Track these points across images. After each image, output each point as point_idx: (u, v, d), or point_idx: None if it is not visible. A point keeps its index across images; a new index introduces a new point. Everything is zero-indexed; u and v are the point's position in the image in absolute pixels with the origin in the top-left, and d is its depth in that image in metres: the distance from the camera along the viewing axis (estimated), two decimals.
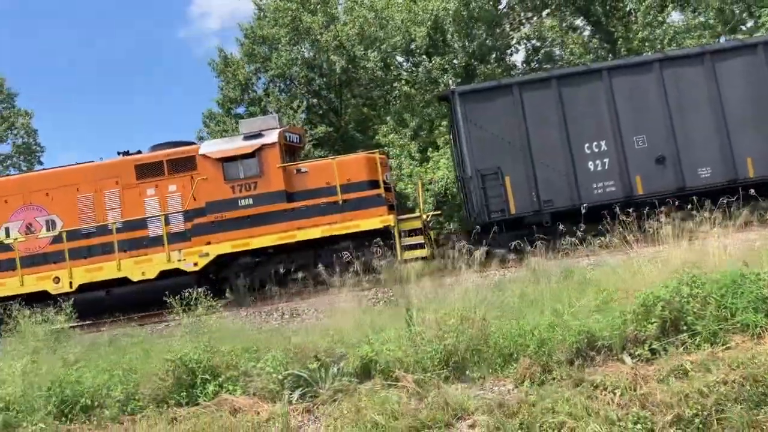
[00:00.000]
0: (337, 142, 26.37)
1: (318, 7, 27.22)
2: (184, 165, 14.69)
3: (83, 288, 14.39)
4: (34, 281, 14.31)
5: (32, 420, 7.72)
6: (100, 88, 68.22)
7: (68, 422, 7.83)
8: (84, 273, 14.30)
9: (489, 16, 25.28)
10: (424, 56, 25.25)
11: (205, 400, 7.85)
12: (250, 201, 14.41)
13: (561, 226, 11.68)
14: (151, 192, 14.73)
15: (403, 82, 25.56)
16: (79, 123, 66.60)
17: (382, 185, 14.42)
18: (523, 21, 27.65)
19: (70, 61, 66.67)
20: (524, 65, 27.67)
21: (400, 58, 27.64)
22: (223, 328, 9.44)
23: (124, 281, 14.42)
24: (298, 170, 14.71)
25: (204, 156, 14.52)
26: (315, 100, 27.79)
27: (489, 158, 14.64)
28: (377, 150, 15.21)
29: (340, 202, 14.33)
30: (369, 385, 7.69)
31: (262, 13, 28.78)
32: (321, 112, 28.21)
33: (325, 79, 27.61)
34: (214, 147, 14.76)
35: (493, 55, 26.57)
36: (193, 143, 15.42)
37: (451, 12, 24.23)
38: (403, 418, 6.98)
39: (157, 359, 8.31)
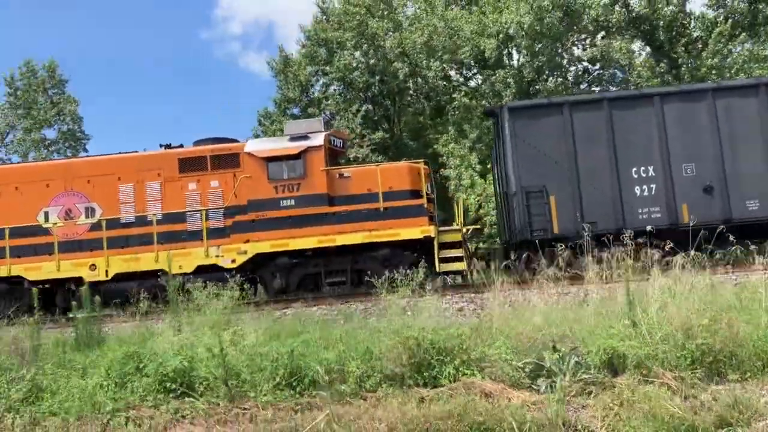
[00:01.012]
0: (391, 149, 26.33)
1: (385, 13, 27.53)
2: (228, 161, 14.66)
3: (118, 277, 14.32)
4: (70, 267, 14.28)
5: (260, 390, 7.54)
6: (118, 82, 69.01)
7: (297, 395, 7.56)
8: (121, 262, 14.25)
9: (557, 33, 25.03)
10: (488, 69, 25.26)
11: (447, 382, 7.58)
12: (292, 202, 14.34)
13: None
14: (193, 186, 14.69)
15: (462, 92, 25.60)
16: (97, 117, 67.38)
17: (424, 195, 14.32)
18: (585, 41, 27.43)
19: (81, 53, 67.40)
20: (586, 85, 27.51)
21: (453, 71, 27.59)
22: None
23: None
24: (341, 175, 14.63)
25: (249, 154, 14.48)
26: (370, 106, 27.63)
27: (535, 176, 14.51)
28: (421, 160, 15.08)
29: (382, 209, 14.21)
30: (623, 379, 7.41)
31: (324, 17, 28.93)
32: (376, 118, 28.18)
33: (384, 86, 27.65)
34: (259, 146, 14.72)
35: (557, 72, 26.58)
36: (236, 140, 15.38)
37: (525, 26, 23.97)
38: (685, 414, 6.77)
39: (387, 338, 7.97)
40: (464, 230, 14.63)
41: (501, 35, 24.73)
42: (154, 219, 14.34)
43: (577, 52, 27.27)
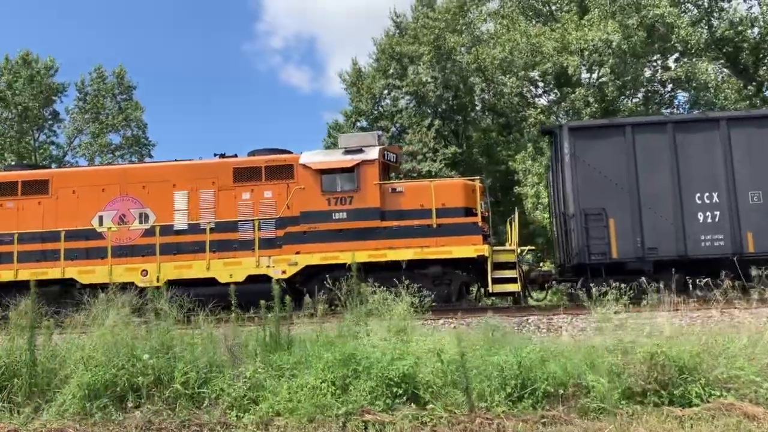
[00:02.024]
0: (461, 165, 26.19)
1: (464, 27, 27.54)
2: (282, 172, 14.66)
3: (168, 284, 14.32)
4: (122, 272, 14.39)
5: (492, 401, 7.29)
6: (162, 92, 70.41)
7: (531, 407, 7.26)
8: (173, 269, 14.32)
9: (642, 52, 24.52)
10: (567, 86, 24.91)
11: (699, 402, 7.25)
12: (344, 215, 14.23)
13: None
14: (246, 196, 14.72)
15: (538, 110, 25.33)
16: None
17: (479, 213, 14.04)
18: (662, 61, 26.88)
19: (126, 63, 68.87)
20: (665, 106, 26.95)
21: (525, 88, 27.34)
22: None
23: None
24: (393, 189, 14.47)
25: (304, 166, 14.45)
26: (440, 121, 27.53)
27: (594, 198, 14.09)
28: (477, 177, 14.83)
29: (434, 225, 14.00)
30: None
31: (397, 30, 29.06)
32: (445, 132, 28.09)
33: (458, 100, 27.54)
34: (314, 158, 14.67)
35: (642, 91, 26.11)
36: (290, 152, 15.36)
37: (613, 44, 23.48)
38: None
39: (612, 354, 7.63)
40: (518, 251, 14.30)
41: (587, 53, 24.26)
42: (208, 227, 14.36)
43: (658, 72, 26.69)
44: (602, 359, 7.65)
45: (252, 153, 15.38)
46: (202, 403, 7.55)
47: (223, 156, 15.42)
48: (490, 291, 13.93)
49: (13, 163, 28.31)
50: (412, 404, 7.29)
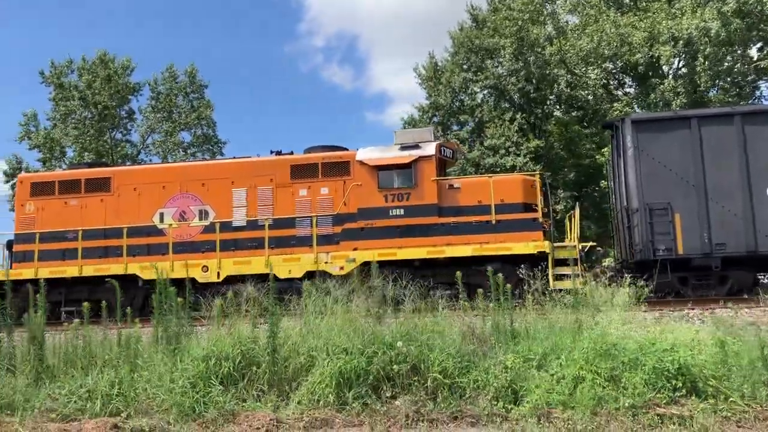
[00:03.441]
0: (542, 159, 25.92)
1: (547, 19, 27.24)
2: (339, 169, 14.68)
3: (227, 280, 14.49)
4: (182, 268, 14.56)
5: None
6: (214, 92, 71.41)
7: None
8: (232, 265, 14.49)
9: (740, 40, 23.63)
10: (655, 78, 24.32)
11: None
12: (402, 211, 14.17)
13: None
14: (304, 193, 14.80)
15: (624, 102, 24.79)
16: None
17: (540, 209, 13.80)
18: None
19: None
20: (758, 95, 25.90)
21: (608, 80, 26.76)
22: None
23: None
24: (451, 185, 14.34)
25: (360, 162, 14.44)
26: (520, 114, 27.23)
27: (659, 192, 13.69)
28: (537, 172, 14.57)
29: (494, 221, 13.81)
30: None
31: (474, 24, 28.86)
32: (525, 126, 27.85)
33: (538, 93, 27.25)
34: (370, 154, 14.63)
35: (737, 80, 25.03)
36: (346, 149, 15.37)
37: (712, 32, 22.60)
38: None
39: None
40: (579, 247, 13.99)
41: (681, 42, 23.48)
42: (267, 224, 14.48)
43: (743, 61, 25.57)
44: None
45: (308, 150, 15.45)
46: (463, 393, 7.14)
47: (279, 153, 15.54)
48: (551, 288, 13.65)
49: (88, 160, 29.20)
50: (692, 396, 6.79)
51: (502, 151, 25.84)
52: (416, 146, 14.41)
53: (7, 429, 6.65)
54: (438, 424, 6.75)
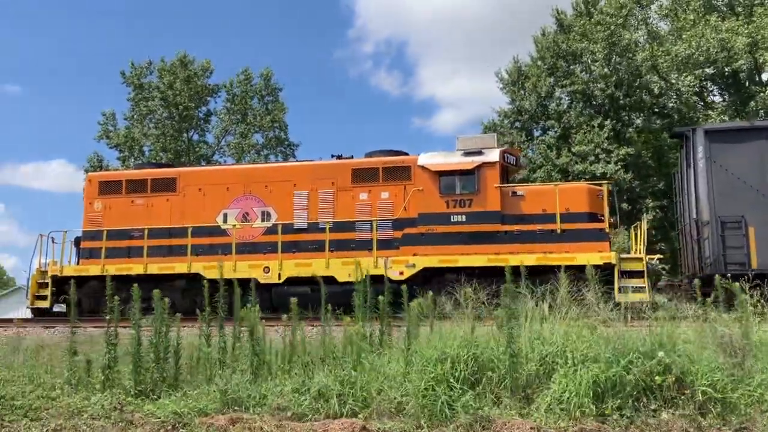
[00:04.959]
0: (631, 167, 25.44)
1: (640, 24, 26.83)
2: (400, 174, 14.66)
3: (288, 281, 14.59)
4: (245, 268, 14.71)
5: None
6: None
7: None
8: (293, 266, 14.57)
9: None
10: (756, 86, 23.64)
11: None
12: (463, 218, 14.05)
13: None
14: (364, 197, 14.81)
15: (718, 110, 24.27)
16: None
17: (607, 219, 13.49)
18: None
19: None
20: None
21: (695, 87, 26.03)
22: None
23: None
24: (514, 193, 14.16)
25: (422, 167, 14.39)
26: (609, 121, 26.68)
27: (731, 205, 13.25)
28: (605, 182, 14.25)
29: (559, 231, 13.57)
30: None
31: (560, 28, 28.67)
32: (612, 133, 27.33)
33: (627, 99, 26.86)
34: (433, 159, 14.56)
35: None
36: (406, 153, 15.34)
37: None
38: None
39: None
40: (647, 259, 13.61)
41: None
42: (327, 226, 14.55)
43: None
44: None
45: (369, 154, 15.47)
46: (734, 409, 6.44)
47: (340, 157, 15.60)
48: (615, 300, 13.32)
49: (165, 160, 30.01)
50: None
51: (591, 158, 25.36)
52: (479, 152, 14.28)
53: (250, 426, 6.38)
54: None
